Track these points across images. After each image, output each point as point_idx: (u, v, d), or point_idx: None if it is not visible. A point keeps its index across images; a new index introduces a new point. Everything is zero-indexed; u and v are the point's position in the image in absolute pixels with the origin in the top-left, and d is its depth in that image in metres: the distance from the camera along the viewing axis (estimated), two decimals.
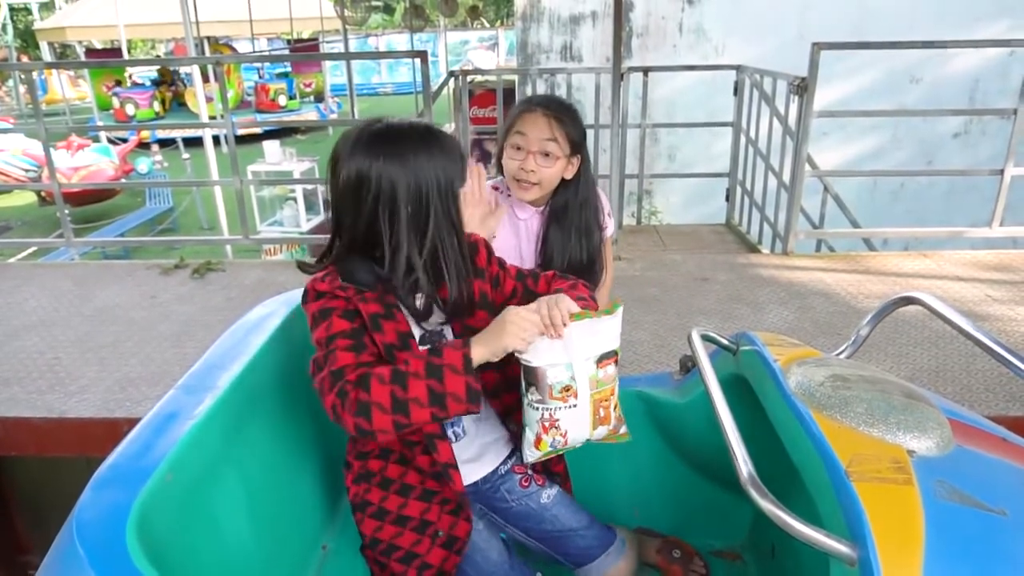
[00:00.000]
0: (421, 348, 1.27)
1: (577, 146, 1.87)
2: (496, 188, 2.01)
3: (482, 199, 1.81)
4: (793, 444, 1.15)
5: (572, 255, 1.93)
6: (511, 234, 1.96)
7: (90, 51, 17.80)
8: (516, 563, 1.43)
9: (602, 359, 1.25)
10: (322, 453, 1.58)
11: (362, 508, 1.39)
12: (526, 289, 1.41)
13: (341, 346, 1.19)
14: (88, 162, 10.43)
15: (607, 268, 2.10)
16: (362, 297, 1.23)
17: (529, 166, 1.83)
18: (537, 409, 1.24)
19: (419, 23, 13.95)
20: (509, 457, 1.50)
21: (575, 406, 1.24)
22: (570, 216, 1.94)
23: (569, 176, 1.90)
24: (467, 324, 1.32)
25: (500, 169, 1.96)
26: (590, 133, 4.86)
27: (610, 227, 2.10)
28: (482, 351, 1.17)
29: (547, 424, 1.25)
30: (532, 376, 1.22)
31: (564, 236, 1.92)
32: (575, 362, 1.22)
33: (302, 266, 1.34)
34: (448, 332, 1.34)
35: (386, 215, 1.20)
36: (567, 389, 1.23)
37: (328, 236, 1.33)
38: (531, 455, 1.29)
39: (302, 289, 1.29)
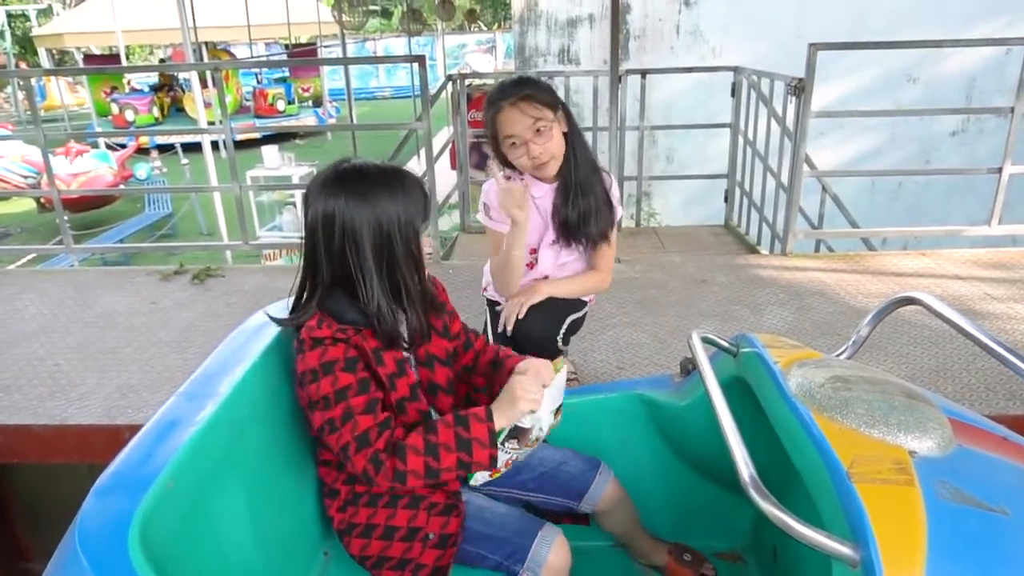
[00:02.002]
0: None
1: (553, 104, 1.95)
2: (509, 177, 2.10)
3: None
4: (794, 446, 1.16)
5: (583, 208, 2.04)
6: (534, 214, 2.06)
7: (88, 57, 17.81)
8: (524, 513, 1.49)
9: (556, 411, 1.48)
10: None
11: (348, 531, 1.41)
12: (467, 338, 1.59)
13: (356, 408, 1.26)
14: (87, 168, 10.44)
15: (605, 259, 2.17)
16: (362, 335, 1.31)
17: (535, 152, 1.95)
18: (510, 453, 1.41)
19: (417, 27, 13.99)
20: None
21: (533, 449, 1.47)
22: (570, 183, 2.03)
23: (565, 129, 2.00)
24: (429, 351, 1.46)
25: (501, 163, 2.07)
26: (588, 136, 4.89)
27: (618, 211, 2.15)
28: (502, 421, 1.33)
29: (511, 461, 1.44)
30: (520, 433, 1.39)
31: (572, 198, 2.04)
32: (544, 416, 1.43)
33: (281, 321, 1.41)
34: (411, 358, 1.45)
35: (352, 251, 1.28)
36: (537, 439, 1.44)
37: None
38: (482, 479, 1.49)
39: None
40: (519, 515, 1.47)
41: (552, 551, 1.37)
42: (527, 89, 1.91)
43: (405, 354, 1.41)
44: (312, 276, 1.35)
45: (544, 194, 2.08)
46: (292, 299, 1.41)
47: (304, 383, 1.29)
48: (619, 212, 2.16)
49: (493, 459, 1.30)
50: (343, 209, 1.27)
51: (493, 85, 2.05)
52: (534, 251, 2.14)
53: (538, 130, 1.92)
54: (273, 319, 1.43)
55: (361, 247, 1.28)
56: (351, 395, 1.27)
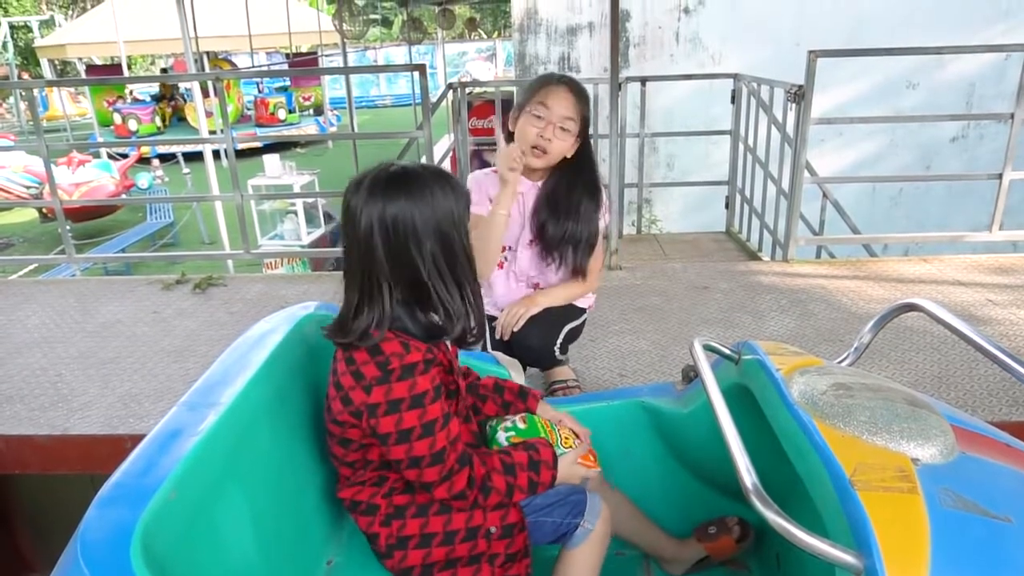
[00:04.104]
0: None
1: (585, 127, 2.01)
2: (495, 171, 2.11)
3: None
4: (797, 454, 1.15)
5: (570, 229, 2.06)
6: (513, 210, 2.07)
7: (90, 67, 17.89)
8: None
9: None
10: (326, 468, 1.57)
11: (402, 545, 1.39)
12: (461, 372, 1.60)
13: (441, 440, 1.29)
14: (89, 178, 10.47)
15: (593, 270, 2.17)
16: (441, 350, 1.33)
17: (548, 134, 1.97)
18: None
19: (417, 36, 14.03)
20: None
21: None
22: (562, 196, 2.05)
23: (570, 155, 2.01)
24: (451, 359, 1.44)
25: (508, 137, 2.07)
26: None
27: (603, 221, 2.15)
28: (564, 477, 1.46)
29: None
30: None
31: (558, 214, 2.05)
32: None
33: (349, 344, 1.30)
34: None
35: (419, 253, 1.27)
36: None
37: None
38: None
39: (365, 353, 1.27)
40: (564, 484, 1.51)
41: (601, 504, 1.45)
42: (581, 98, 1.99)
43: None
44: (372, 287, 1.28)
45: (527, 190, 2.09)
46: (341, 315, 1.34)
47: (379, 414, 1.27)
48: (604, 221, 2.16)
49: (554, 479, 1.42)
50: (405, 211, 1.25)
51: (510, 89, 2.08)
52: (510, 248, 2.15)
53: (564, 127, 1.96)
54: (340, 343, 1.32)
55: (427, 248, 1.27)
56: (438, 429, 1.28)
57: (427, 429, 1.27)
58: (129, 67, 15.61)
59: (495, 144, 2.08)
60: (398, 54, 22.42)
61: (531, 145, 1.98)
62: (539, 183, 2.09)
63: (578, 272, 2.14)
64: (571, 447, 1.52)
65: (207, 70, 12.40)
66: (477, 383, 1.62)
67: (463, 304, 1.33)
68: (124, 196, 10.46)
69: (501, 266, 2.16)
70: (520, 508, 1.43)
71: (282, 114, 15.83)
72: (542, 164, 2.02)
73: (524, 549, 1.42)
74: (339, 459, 1.42)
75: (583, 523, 1.42)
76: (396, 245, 1.26)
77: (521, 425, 1.55)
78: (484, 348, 2.18)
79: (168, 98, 15.83)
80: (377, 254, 1.26)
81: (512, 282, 2.19)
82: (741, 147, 4.96)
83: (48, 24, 21.36)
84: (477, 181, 2.14)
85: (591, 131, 2.13)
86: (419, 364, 1.27)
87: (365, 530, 1.42)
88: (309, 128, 16.15)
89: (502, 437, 1.53)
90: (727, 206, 5.32)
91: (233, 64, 17.10)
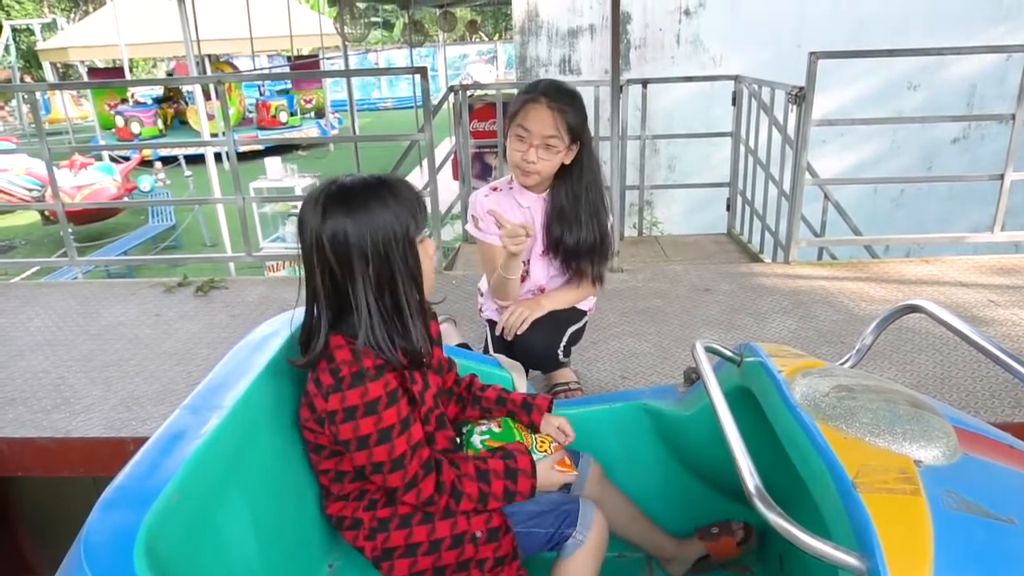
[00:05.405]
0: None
1: (577, 134, 1.94)
2: (496, 188, 2.10)
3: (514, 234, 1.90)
4: (799, 456, 1.15)
5: (584, 238, 2.05)
6: (519, 220, 2.05)
7: (92, 70, 17.93)
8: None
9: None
10: None
11: (388, 556, 1.39)
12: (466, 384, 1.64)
13: (401, 444, 1.29)
14: (91, 181, 10.49)
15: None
16: (395, 357, 1.30)
17: (530, 158, 1.95)
18: None
19: (418, 38, 14.03)
20: None
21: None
22: (569, 206, 2.04)
23: (568, 161, 1.97)
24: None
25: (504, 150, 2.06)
26: None
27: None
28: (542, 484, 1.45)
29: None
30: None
31: (570, 224, 2.04)
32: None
33: (304, 364, 1.34)
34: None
35: (349, 278, 1.26)
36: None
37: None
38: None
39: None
40: (556, 493, 1.51)
41: (595, 513, 1.44)
42: (566, 105, 1.91)
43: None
44: (319, 302, 1.31)
45: (533, 203, 2.08)
46: (302, 328, 1.37)
47: (337, 421, 1.27)
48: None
49: (534, 489, 1.41)
50: (336, 232, 1.24)
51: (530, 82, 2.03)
52: (525, 262, 2.14)
53: (547, 144, 1.92)
54: (295, 363, 1.36)
55: (358, 273, 1.26)
56: (395, 435, 1.28)
57: (384, 435, 1.27)
58: (131, 70, 15.63)
59: (496, 146, 2.07)
60: (399, 56, 22.45)
61: (516, 167, 1.98)
62: (544, 195, 2.07)
63: (597, 279, 2.14)
64: (546, 451, 1.51)
65: (208, 73, 12.42)
66: (480, 395, 1.62)
67: (395, 332, 1.30)
68: (126, 199, 10.48)
69: (522, 279, 2.16)
70: (503, 512, 1.42)
71: (283, 117, 15.86)
72: (533, 182, 2.01)
73: (512, 552, 1.41)
74: (316, 467, 1.42)
75: (575, 534, 1.41)
76: (330, 269, 1.26)
77: (496, 429, 1.55)
78: (486, 351, 2.18)
79: (172, 100, 15.87)
80: (315, 274, 1.28)
81: (521, 289, 2.19)
82: (742, 149, 4.96)
83: (50, 27, 21.43)
84: (481, 206, 2.10)
85: (592, 134, 2.10)
86: (369, 370, 1.26)
87: (352, 544, 1.43)
88: (310, 131, 16.16)
89: (477, 441, 1.53)
90: (728, 208, 5.32)
91: (234, 67, 17.13)
